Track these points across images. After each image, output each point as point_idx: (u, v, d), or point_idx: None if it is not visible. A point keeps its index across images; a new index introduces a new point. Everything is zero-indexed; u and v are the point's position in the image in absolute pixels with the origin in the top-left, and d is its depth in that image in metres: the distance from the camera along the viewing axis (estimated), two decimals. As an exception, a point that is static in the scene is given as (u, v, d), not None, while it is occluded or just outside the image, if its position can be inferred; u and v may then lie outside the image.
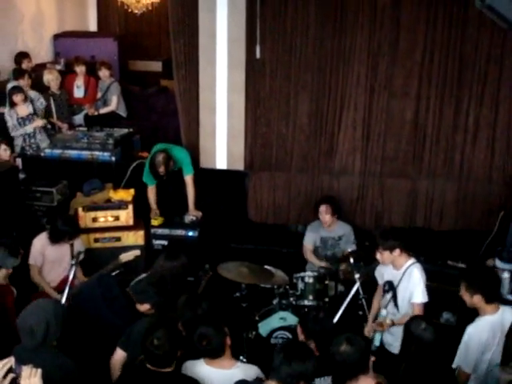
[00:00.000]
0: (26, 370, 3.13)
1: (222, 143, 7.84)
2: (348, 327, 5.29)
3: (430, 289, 5.20)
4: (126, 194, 7.13)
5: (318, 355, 4.14)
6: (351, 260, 5.98)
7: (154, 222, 7.11)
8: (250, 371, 4.05)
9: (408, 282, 5.06)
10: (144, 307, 4.79)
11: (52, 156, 7.89)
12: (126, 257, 5.75)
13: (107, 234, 6.89)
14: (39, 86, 8.63)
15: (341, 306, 5.53)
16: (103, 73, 8.96)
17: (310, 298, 6.12)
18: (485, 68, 7.15)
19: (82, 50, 9.83)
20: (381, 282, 5.39)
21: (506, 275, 6.08)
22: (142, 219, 7.15)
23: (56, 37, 10.09)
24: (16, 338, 4.65)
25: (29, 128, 7.84)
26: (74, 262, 5.44)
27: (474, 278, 4.52)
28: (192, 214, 7.21)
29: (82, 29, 10.96)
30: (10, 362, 3.14)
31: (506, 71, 7.12)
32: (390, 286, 5.19)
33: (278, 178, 7.86)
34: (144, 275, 5.10)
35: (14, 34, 9.16)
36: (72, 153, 7.87)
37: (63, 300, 5.16)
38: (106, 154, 7.82)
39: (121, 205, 6.99)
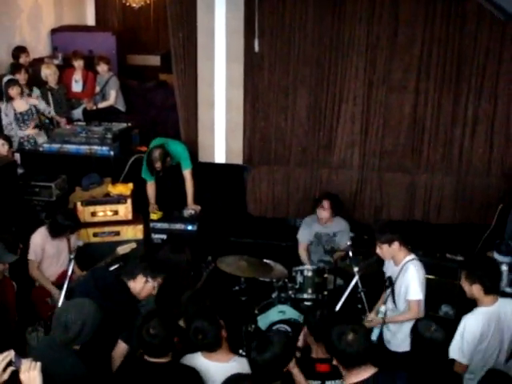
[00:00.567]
0: (26, 364, 3.14)
1: (221, 137, 7.85)
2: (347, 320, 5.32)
3: (428, 282, 5.22)
4: (125, 189, 7.12)
5: (330, 358, 4.16)
6: (350, 254, 5.99)
7: (153, 216, 7.13)
8: (247, 364, 4.06)
9: (403, 278, 5.06)
10: (138, 283, 4.71)
11: (50, 151, 7.87)
12: (122, 250, 5.75)
13: (106, 229, 6.90)
14: (37, 80, 8.62)
15: (340, 300, 5.54)
16: (101, 67, 8.95)
17: (309, 291, 6.13)
18: (483, 62, 7.15)
19: (80, 44, 9.78)
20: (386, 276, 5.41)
21: (504, 268, 6.08)
22: (140, 213, 7.15)
23: (54, 31, 10.05)
24: (15, 331, 4.68)
25: (23, 133, 7.84)
26: (72, 257, 5.43)
27: (474, 268, 4.51)
28: (191, 208, 7.22)
29: (79, 23, 10.91)
30: (10, 355, 3.14)
31: (504, 65, 7.12)
32: (390, 282, 5.20)
33: (276, 171, 7.87)
34: None
35: (11, 28, 9.13)
36: (70, 147, 7.85)
37: (62, 295, 5.16)
38: (104, 148, 7.81)
39: (120, 199, 7.00)
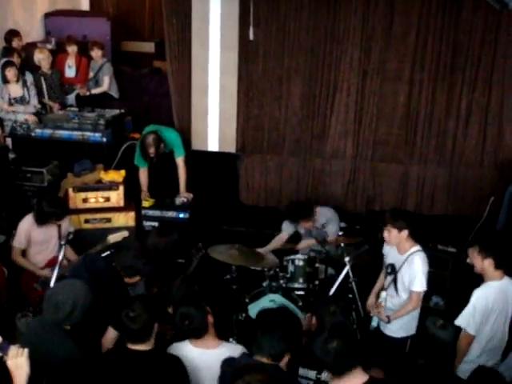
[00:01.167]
0: (13, 350, 3.13)
1: (214, 125, 7.83)
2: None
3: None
4: (117, 175, 7.10)
5: None
6: (341, 243, 6.00)
7: (145, 204, 7.11)
8: (236, 351, 4.06)
9: (408, 268, 5.07)
10: (134, 279, 4.75)
11: (42, 136, 7.82)
12: (113, 238, 5.70)
13: (98, 215, 6.87)
14: (30, 65, 8.56)
15: (331, 289, 5.55)
16: (95, 53, 8.88)
17: (300, 280, 6.12)
18: (478, 53, 7.15)
19: (73, 29, 9.69)
20: (385, 261, 5.42)
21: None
22: (132, 201, 7.13)
23: (47, 15, 9.96)
24: (6, 316, 4.66)
25: (20, 116, 7.79)
26: (63, 243, 5.40)
27: (488, 242, 4.65)
28: (183, 196, 7.20)
29: (73, 8, 10.81)
30: None
31: (498, 56, 7.12)
32: (392, 270, 5.20)
33: (269, 160, 7.86)
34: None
35: (4, 12, 9.02)
36: (63, 133, 7.80)
37: (53, 280, 5.14)
38: (97, 134, 7.76)
39: (111, 186, 6.97)
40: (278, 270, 6.14)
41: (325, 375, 4.06)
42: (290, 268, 6.15)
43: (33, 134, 7.84)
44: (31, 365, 3.13)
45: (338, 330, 3.48)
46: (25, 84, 7.97)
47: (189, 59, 7.64)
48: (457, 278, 6.33)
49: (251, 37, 7.11)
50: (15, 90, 7.85)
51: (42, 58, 8.49)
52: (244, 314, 5.67)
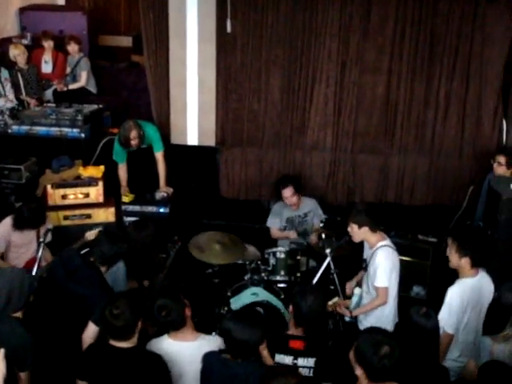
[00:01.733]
0: None
1: (193, 119, 7.79)
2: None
3: (400, 263, 5.25)
4: (96, 171, 7.05)
5: (305, 336, 4.24)
6: (322, 235, 6.01)
7: (125, 199, 7.07)
8: (214, 343, 4.08)
9: (373, 263, 5.10)
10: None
11: (19, 132, 7.71)
12: (90, 235, 5.67)
13: (77, 212, 6.82)
14: (6, 61, 8.45)
15: (312, 281, 5.56)
16: (72, 47, 8.81)
17: (282, 273, 6.15)
18: (455, 43, 7.16)
19: (49, 24, 9.57)
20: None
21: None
22: (112, 196, 7.08)
23: (22, 10, 9.83)
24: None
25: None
26: (42, 240, 5.34)
27: (466, 241, 4.61)
28: (163, 191, 7.17)
29: (49, 2, 10.69)
30: None
31: (476, 46, 7.14)
32: (365, 265, 5.24)
33: (249, 153, 7.83)
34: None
35: (-23, 7, 8.94)
36: (40, 129, 7.70)
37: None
38: (75, 130, 7.68)
39: (91, 182, 6.92)
40: (259, 262, 6.16)
41: (301, 361, 4.09)
42: (272, 261, 6.17)
43: (9, 131, 7.73)
44: None
45: (391, 340, 3.47)
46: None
47: (166, 53, 7.58)
48: (438, 267, 6.36)
49: (228, 29, 7.04)
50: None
51: (17, 53, 8.40)
52: (226, 308, 5.67)
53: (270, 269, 6.14)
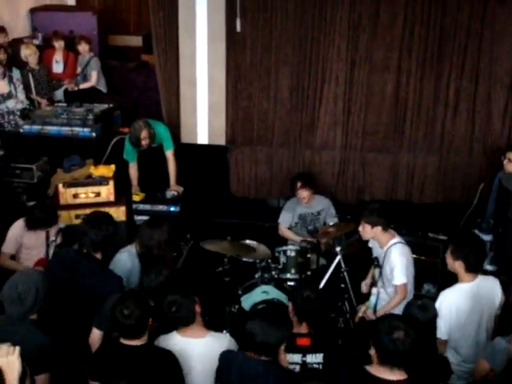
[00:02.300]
0: (3, 349, 3.10)
1: (203, 118, 7.81)
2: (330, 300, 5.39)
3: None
4: (107, 170, 7.08)
5: (311, 332, 4.26)
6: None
7: (136, 198, 7.10)
8: (223, 340, 4.10)
9: (387, 262, 5.11)
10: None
11: (31, 132, 7.78)
12: None
13: (88, 210, 6.70)
14: (17, 61, 8.51)
15: (322, 279, 5.58)
16: (83, 47, 8.86)
17: (292, 271, 6.15)
18: (464, 41, 7.14)
19: (60, 24, 9.65)
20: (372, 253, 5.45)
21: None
22: (123, 195, 7.12)
23: (33, 11, 9.92)
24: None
25: (10, 103, 7.74)
26: (53, 239, 5.38)
27: (461, 245, 4.61)
28: (173, 190, 7.19)
29: (59, 3, 10.77)
30: None
31: (485, 44, 7.12)
32: (378, 263, 5.25)
33: (259, 152, 7.85)
34: (129, 247, 5.09)
35: (-12, 8, 9.01)
36: (51, 129, 7.76)
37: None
38: (86, 129, 7.73)
39: (102, 181, 6.95)
40: (269, 261, 6.16)
41: (310, 357, 4.11)
42: (282, 259, 6.18)
43: (21, 131, 7.80)
44: None
45: (408, 327, 3.49)
46: (11, 80, 7.92)
47: (176, 52, 7.61)
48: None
49: (238, 28, 7.09)
50: (1, 86, 7.81)
51: (28, 53, 8.45)
52: (237, 306, 5.69)
53: (280, 267, 6.14)
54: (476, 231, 6.65)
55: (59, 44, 8.93)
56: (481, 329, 4.60)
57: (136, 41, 10.51)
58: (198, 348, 4.02)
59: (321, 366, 4.16)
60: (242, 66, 7.57)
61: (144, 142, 6.94)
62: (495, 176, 6.71)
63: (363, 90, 7.46)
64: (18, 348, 3.06)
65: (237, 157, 7.89)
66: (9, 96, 7.86)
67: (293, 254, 6.20)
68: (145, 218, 6.90)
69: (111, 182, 6.94)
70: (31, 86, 8.40)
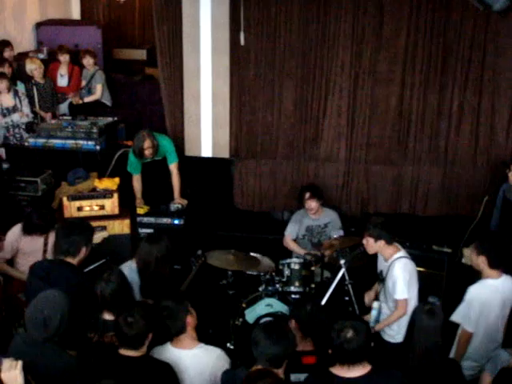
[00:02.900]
0: (7, 363, 3.10)
1: (207, 131, 7.83)
2: (335, 313, 5.35)
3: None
4: (111, 183, 7.10)
5: (315, 350, 4.26)
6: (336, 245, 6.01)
7: (140, 211, 7.10)
8: (212, 353, 4.07)
9: (390, 276, 5.09)
10: (83, 254, 4.82)
11: (36, 145, 7.83)
12: (94, 239, 5.67)
13: (93, 223, 6.77)
14: (22, 75, 8.56)
15: (327, 292, 5.56)
16: (87, 61, 8.91)
17: (296, 284, 6.12)
18: (468, 54, 7.18)
19: (65, 38, 9.73)
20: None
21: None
22: (127, 208, 7.12)
23: (39, 25, 9.98)
24: (1, 327, 4.61)
25: (15, 116, 7.79)
26: (50, 257, 5.36)
27: (483, 241, 4.74)
28: (177, 202, 7.19)
29: (64, 17, 10.84)
30: None
31: (488, 56, 7.15)
32: (381, 277, 5.24)
33: (263, 165, 7.86)
34: (129, 262, 5.08)
35: (-5, 22, 9.07)
36: (56, 142, 7.81)
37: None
38: (90, 142, 7.78)
39: (106, 194, 6.97)
40: (273, 274, 6.14)
41: None
42: (286, 272, 6.15)
43: (26, 144, 7.85)
44: (33, 378, 3.10)
45: (357, 323, 3.61)
46: (16, 94, 7.96)
47: (180, 65, 7.65)
48: (452, 278, 6.34)
49: (242, 42, 7.10)
50: (7, 100, 7.86)
51: (33, 68, 8.50)
52: (241, 319, 5.67)
53: (284, 280, 6.11)
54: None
55: (64, 58, 8.98)
56: (498, 329, 4.65)
57: (140, 54, 10.56)
58: (186, 359, 3.99)
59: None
60: (246, 79, 7.60)
61: (147, 152, 6.95)
62: (499, 188, 6.69)
63: (367, 103, 7.48)
64: (20, 362, 3.06)
65: (241, 170, 7.91)
66: (14, 110, 7.90)
67: (297, 266, 6.16)
68: (149, 230, 6.95)
69: (115, 195, 6.96)
70: (35, 100, 8.45)
